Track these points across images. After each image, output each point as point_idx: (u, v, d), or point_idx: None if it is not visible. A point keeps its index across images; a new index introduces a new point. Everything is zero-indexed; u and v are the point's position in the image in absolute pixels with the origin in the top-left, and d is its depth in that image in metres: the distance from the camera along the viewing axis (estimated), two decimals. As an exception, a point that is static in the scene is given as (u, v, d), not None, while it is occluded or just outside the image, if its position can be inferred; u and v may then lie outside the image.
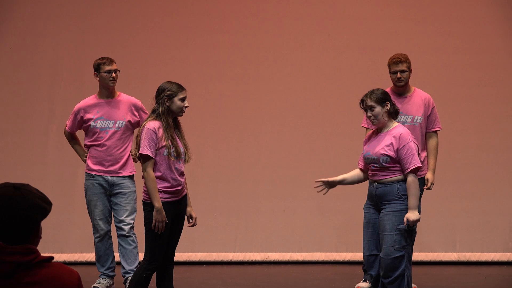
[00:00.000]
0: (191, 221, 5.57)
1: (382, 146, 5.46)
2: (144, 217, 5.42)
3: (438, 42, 8.32)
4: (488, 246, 8.23)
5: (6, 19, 8.33)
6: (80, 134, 6.91)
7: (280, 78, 8.39)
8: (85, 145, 6.77)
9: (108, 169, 6.64)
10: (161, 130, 5.30)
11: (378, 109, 5.50)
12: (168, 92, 5.37)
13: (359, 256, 7.96)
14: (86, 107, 6.70)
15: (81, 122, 6.72)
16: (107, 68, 6.64)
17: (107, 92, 6.72)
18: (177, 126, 5.48)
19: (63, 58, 8.32)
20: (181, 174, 5.43)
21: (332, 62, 8.37)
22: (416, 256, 7.92)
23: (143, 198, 5.38)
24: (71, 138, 6.86)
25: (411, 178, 5.41)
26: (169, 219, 5.33)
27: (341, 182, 5.81)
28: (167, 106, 5.36)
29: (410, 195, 5.40)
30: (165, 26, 8.38)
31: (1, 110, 8.33)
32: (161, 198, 5.31)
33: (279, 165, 8.34)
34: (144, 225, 5.42)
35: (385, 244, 5.41)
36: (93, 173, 6.68)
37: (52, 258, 2.75)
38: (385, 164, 5.45)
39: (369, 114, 5.52)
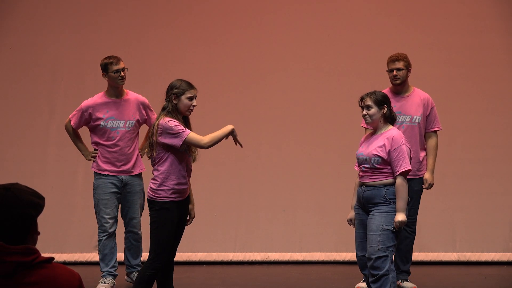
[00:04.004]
0: (188, 219, 5.55)
1: (375, 147, 5.49)
2: (150, 216, 5.41)
3: (438, 41, 8.32)
4: (488, 246, 8.23)
5: (6, 18, 8.32)
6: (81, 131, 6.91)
7: (280, 78, 8.38)
8: (94, 143, 6.75)
9: (120, 169, 6.67)
10: None
11: (374, 110, 5.53)
12: (176, 90, 5.36)
13: (359, 256, 7.97)
14: (95, 105, 6.67)
15: (88, 120, 6.70)
16: (115, 67, 6.63)
17: (115, 91, 6.71)
18: (187, 125, 5.45)
19: (63, 57, 8.32)
20: (190, 173, 5.44)
21: (332, 62, 8.36)
22: (416, 256, 7.92)
23: (148, 196, 5.37)
24: (74, 134, 6.84)
25: (400, 181, 5.43)
26: (176, 219, 5.33)
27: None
28: (175, 104, 5.35)
29: (398, 197, 5.42)
30: (166, 26, 8.38)
31: (1, 109, 8.32)
32: (169, 197, 5.30)
33: (279, 165, 8.34)
34: (150, 224, 5.41)
35: (369, 243, 5.44)
36: (106, 173, 6.70)
37: (53, 258, 2.75)
38: (376, 165, 5.47)
39: (364, 112, 5.56)
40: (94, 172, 6.77)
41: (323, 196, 8.30)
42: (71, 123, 6.76)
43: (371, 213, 5.49)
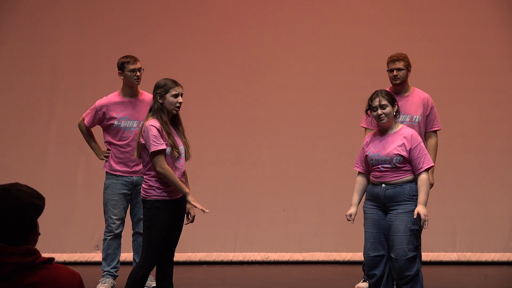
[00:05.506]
0: (189, 218, 5.54)
1: (395, 147, 5.48)
2: (143, 214, 5.40)
3: (438, 46, 8.32)
4: (488, 246, 8.23)
5: (7, 19, 8.32)
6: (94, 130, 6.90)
7: (280, 78, 8.38)
8: (107, 142, 6.72)
9: (133, 169, 6.62)
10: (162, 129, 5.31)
11: (390, 108, 5.53)
12: (160, 89, 5.35)
13: (359, 256, 7.96)
14: (109, 104, 6.64)
15: (102, 119, 6.66)
16: (132, 67, 6.60)
17: (130, 90, 6.67)
18: (176, 123, 5.45)
19: (63, 57, 8.32)
20: (182, 174, 5.41)
21: (332, 62, 8.36)
22: (416, 256, 7.92)
23: (142, 196, 5.36)
24: (88, 133, 6.79)
25: (424, 176, 5.44)
26: (168, 218, 5.32)
27: (359, 202, 5.80)
28: (160, 103, 5.35)
29: (421, 191, 5.41)
30: (165, 27, 8.38)
31: (1, 110, 8.33)
32: (160, 196, 5.29)
33: (279, 165, 8.34)
34: (143, 222, 5.41)
35: (398, 245, 5.42)
36: (118, 173, 6.66)
37: (53, 259, 2.74)
38: (398, 165, 5.47)
39: (380, 112, 5.53)
40: (106, 172, 6.74)
41: (323, 196, 8.30)
42: (85, 121, 6.72)
43: (394, 212, 5.47)
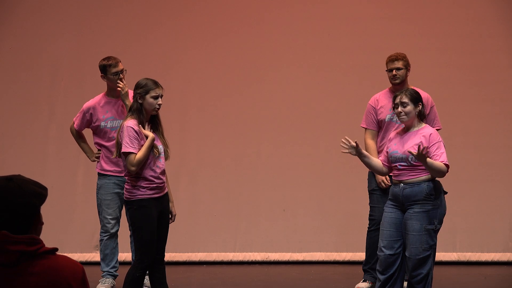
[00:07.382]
0: (170, 217, 5.52)
1: (411, 144, 5.47)
2: (129, 217, 5.38)
3: (438, 43, 8.33)
4: (488, 246, 8.23)
5: (7, 19, 8.33)
6: (86, 132, 6.90)
7: (280, 78, 8.39)
8: (97, 144, 6.74)
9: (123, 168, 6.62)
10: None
11: (410, 107, 5.52)
12: (140, 90, 5.32)
13: (359, 256, 7.96)
14: (95, 106, 6.67)
15: (90, 121, 6.69)
16: (114, 70, 6.59)
17: (115, 91, 6.68)
18: (155, 123, 5.42)
19: (63, 58, 8.33)
20: (162, 172, 5.37)
21: (332, 62, 8.37)
22: (416, 256, 7.91)
23: (125, 197, 5.34)
24: (78, 136, 6.83)
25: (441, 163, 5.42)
26: (155, 216, 5.30)
27: (362, 156, 5.64)
28: (140, 103, 5.32)
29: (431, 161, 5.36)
30: (165, 27, 8.39)
31: (1, 110, 8.33)
32: (145, 194, 5.27)
33: (279, 165, 8.34)
34: (131, 225, 5.38)
35: (413, 244, 5.43)
36: (108, 173, 6.67)
37: (56, 249, 2.75)
38: (414, 163, 5.46)
39: (400, 110, 5.53)
40: (98, 173, 6.76)
41: (323, 196, 8.30)
42: (74, 125, 6.77)
43: (411, 211, 5.47)
